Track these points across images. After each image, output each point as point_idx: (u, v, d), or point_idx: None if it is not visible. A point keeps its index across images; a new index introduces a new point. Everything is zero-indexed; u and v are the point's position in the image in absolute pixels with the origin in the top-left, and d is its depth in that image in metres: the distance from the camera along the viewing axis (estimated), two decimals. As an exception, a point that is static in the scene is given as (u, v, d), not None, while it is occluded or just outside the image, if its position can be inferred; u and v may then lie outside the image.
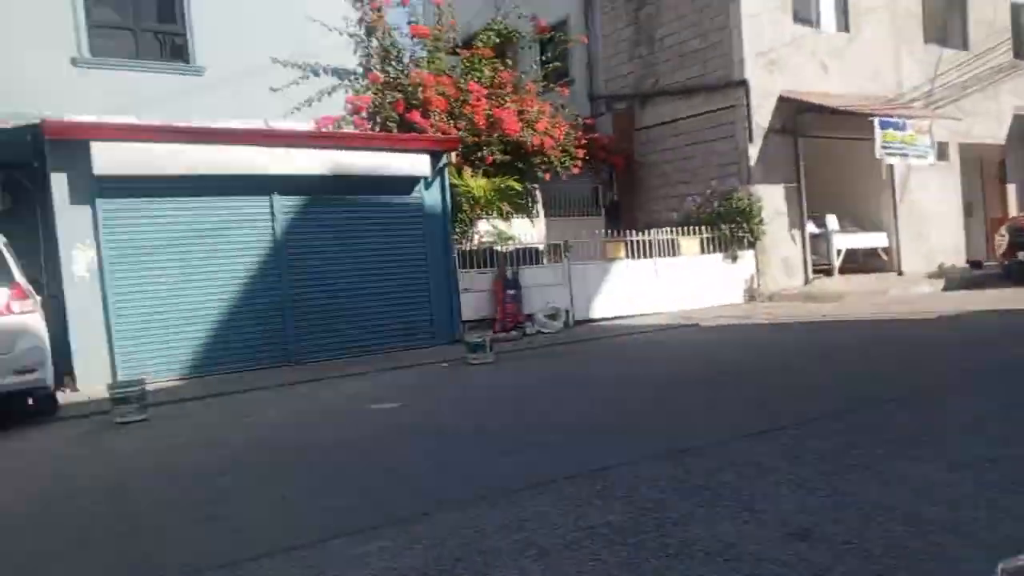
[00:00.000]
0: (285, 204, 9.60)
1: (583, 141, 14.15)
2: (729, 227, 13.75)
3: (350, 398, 7.36)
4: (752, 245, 14.04)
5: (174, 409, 7.24)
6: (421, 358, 9.37)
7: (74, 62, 10.38)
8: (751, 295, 14.02)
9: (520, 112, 13.16)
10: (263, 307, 9.37)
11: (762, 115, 14.10)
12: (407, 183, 10.50)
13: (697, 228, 13.76)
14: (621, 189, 16.45)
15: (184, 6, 11.19)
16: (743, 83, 13.98)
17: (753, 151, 14.05)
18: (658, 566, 3.13)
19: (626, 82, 16.71)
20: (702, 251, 13.70)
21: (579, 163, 13.98)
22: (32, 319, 6.71)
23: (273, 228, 9.48)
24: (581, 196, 15.74)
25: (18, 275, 6.83)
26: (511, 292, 11.24)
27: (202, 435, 6.18)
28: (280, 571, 3.33)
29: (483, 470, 4.67)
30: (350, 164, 9.91)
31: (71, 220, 8.45)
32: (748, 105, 13.95)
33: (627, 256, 12.98)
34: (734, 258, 13.91)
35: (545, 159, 13.49)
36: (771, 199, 14.20)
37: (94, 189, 8.51)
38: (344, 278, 9.89)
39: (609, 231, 13.80)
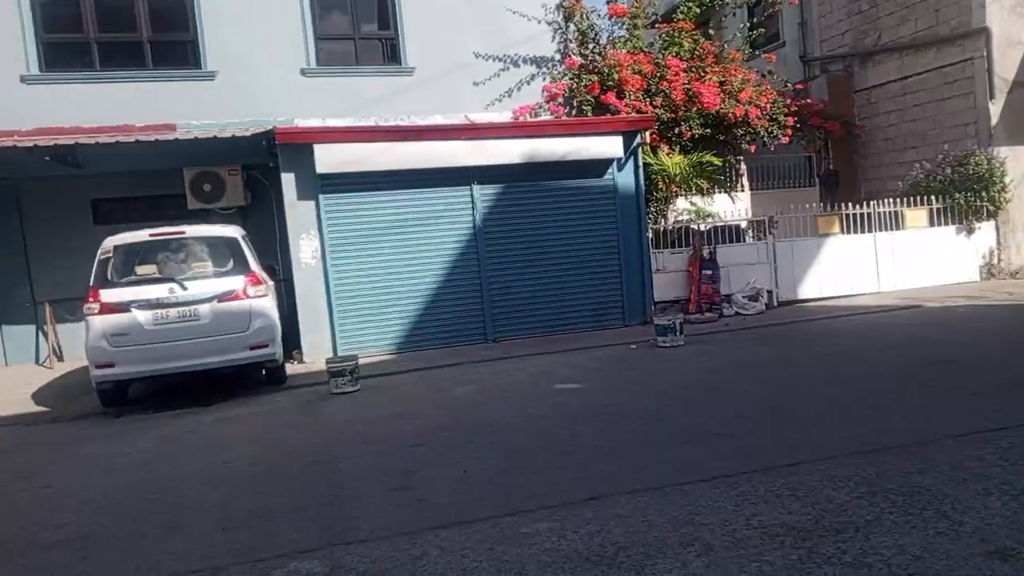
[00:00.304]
0: (484, 192, 10.02)
1: (793, 108, 13.23)
2: (964, 196, 12.22)
3: (537, 376, 7.57)
4: (992, 215, 12.39)
5: (381, 382, 7.89)
6: (610, 339, 9.38)
7: (303, 72, 11.57)
8: (990, 272, 12.40)
9: (722, 83, 12.58)
10: (463, 289, 9.90)
11: (1006, 67, 12.31)
12: (600, 165, 10.49)
13: (925, 198, 12.39)
14: (838, 158, 15.23)
15: (396, 11, 11.98)
16: (983, 31, 12.28)
17: (995, 109, 12.33)
18: (830, 574, 2.95)
19: (843, 41, 15.36)
20: (931, 223, 12.32)
21: (789, 132, 13.09)
22: (265, 302, 7.63)
23: (473, 215, 9.95)
24: (792, 167, 14.77)
25: (253, 263, 7.78)
26: (707, 272, 10.86)
27: (402, 407, 6.70)
28: (454, 543, 3.55)
29: (660, 457, 4.63)
30: (544, 151, 10.11)
31: (298, 213, 9.46)
32: (989, 57, 12.25)
33: (842, 231, 12.01)
34: (970, 230, 12.37)
35: (750, 130, 12.80)
36: (1018, 162, 12.41)
37: (317, 185, 9.45)
38: (538, 261, 10.15)
39: (824, 204, 12.83)
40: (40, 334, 10.74)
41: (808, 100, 14.27)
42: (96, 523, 4.26)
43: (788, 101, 13.26)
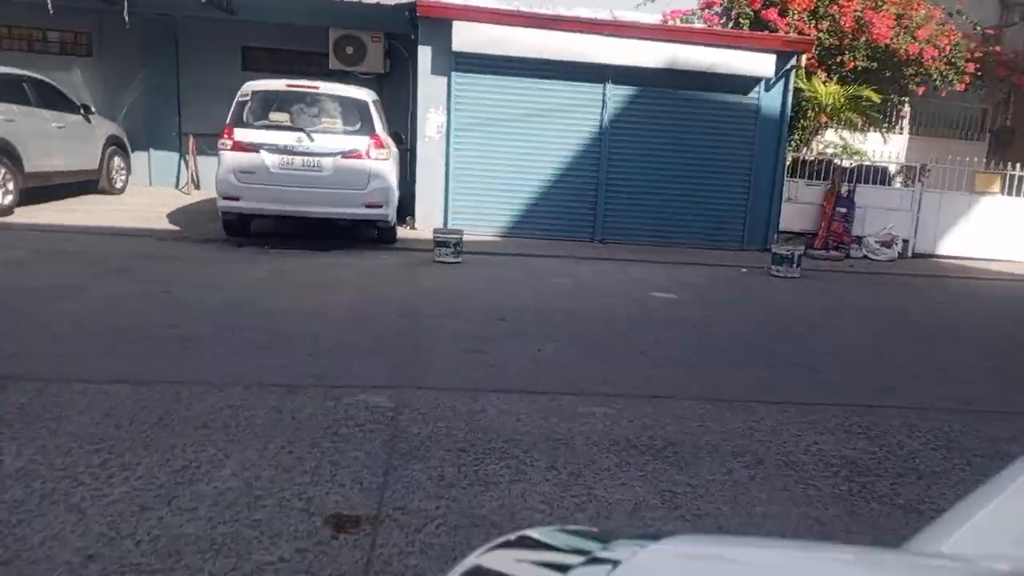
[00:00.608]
0: (617, 92, 9.72)
1: (977, 54, 11.88)
2: None
3: (636, 281, 7.50)
4: None
5: (482, 259, 8.04)
6: (722, 259, 9.10)
7: (459, -55, 11.37)
8: None
9: (899, 16, 11.42)
10: (579, 185, 9.80)
11: None
12: (746, 83, 9.90)
13: (1110, 172, 11.04)
14: (1018, 115, 13.69)
15: None
16: None
17: None
18: (871, 512, 2.88)
19: (1058, -18, 13.51)
20: (1109, 200, 11.01)
21: (967, 79, 11.81)
22: (385, 165, 7.85)
23: (601, 114, 9.71)
24: (962, 117, 13.44)
25: (379, 128, 7.97)
26: (841, 210, 10.23)
27: (496, 285, 6.83)
28: (512, 407, 3.69)
29: (736, 375, 4.57)
30: (688, 59, 9.61)
31: (430, 87, 9.54)
32: None
33: (1002, 192, 10.97)
34: None
35: (921, 70, 11.65)
36: None
37: (451, 63, 9.45)
38: (661, 169, 9.85)
39: (989, 161, 11.69)
40: (182, 162, 11.62)
41: (997, 48, 12.76)
42: (201, 329, 4.69)
43: (973, 46, 11.91)
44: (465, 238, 7.90)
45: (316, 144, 7.54)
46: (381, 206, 7.79)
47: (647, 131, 9.80)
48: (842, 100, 10.87)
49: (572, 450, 3.26)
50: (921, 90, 12.04)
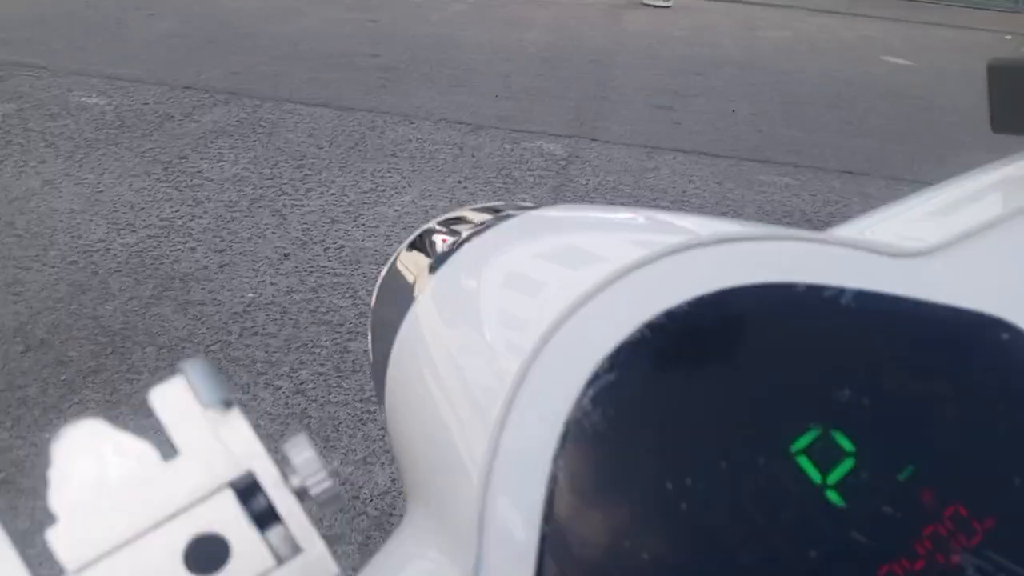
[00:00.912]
0: None
1: None
2: None
3: (868, 42, 6.60)
4: None
5: (697, 4, 7.38)
6: (986, 23, 7.65)
7: None
8: None
9: None
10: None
11: None
12: None
13: None
14: None
15: None
16: None
17: None
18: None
19: None
20: None
21: None
22: None
23: None
24: None
25: None
26: None
27: (703, 35, 6.32)
28: (688, 168, 3.63)
29: (948, 156, 4.08)
30: None
31: None
32: None
33: None
34: None
35: None
36: None
37: None
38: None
39: None
40: None
41: None
42: (400, 60, 4.87)
43: None
44: (681, -22, 7.26)
45: None
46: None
47: None
48: None
49: (740, 217, 3.20)
50: None
